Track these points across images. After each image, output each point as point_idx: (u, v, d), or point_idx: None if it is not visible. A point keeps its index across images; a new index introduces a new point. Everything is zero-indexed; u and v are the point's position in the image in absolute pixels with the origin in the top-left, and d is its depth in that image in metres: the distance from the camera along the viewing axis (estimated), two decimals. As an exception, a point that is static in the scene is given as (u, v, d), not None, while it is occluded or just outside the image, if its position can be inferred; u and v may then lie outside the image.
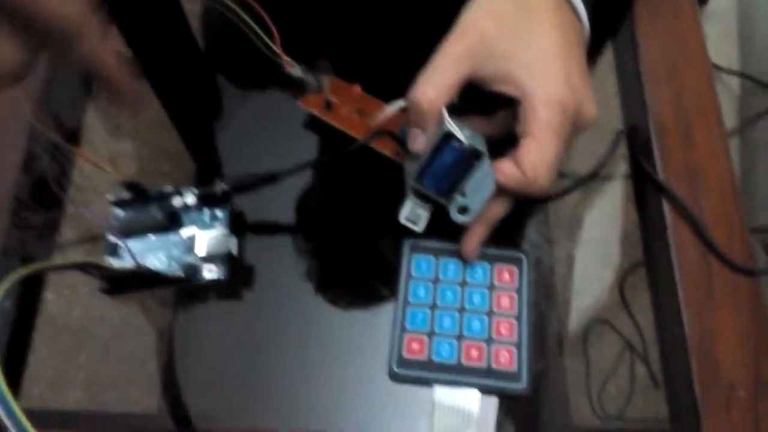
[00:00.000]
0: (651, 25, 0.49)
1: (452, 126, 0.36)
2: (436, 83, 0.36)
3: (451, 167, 0.38)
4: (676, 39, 0.49)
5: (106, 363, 0.41)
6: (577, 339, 0.42)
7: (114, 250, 0.42)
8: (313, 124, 0.47)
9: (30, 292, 0.43)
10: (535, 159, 0.36)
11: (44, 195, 0.46)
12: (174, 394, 0.40)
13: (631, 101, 0.47)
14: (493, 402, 0.38)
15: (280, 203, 0.45)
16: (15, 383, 0.40)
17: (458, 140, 0.36)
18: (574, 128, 0.37)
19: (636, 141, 0.46)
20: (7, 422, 0.27)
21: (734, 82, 1.17)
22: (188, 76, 0.51)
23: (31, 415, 0.38)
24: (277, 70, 0.45)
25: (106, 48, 0.30)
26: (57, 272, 0.44)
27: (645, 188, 0.45)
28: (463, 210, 0.38)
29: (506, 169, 0.37)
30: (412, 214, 0.40)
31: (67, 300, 0.42)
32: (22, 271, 0.32)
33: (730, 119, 1.11)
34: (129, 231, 0.42)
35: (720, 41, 1.22)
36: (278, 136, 0.47)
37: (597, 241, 0.45)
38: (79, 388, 0.41)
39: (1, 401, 0.27)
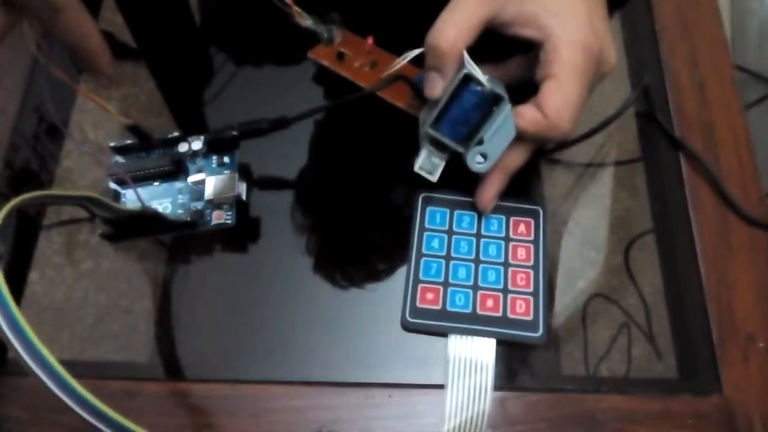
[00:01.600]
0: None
1: (474, 68, 0.35)
2: (457, 24, 0.35)
3: (469, 113, 0.37)
4: (689, -1, 0.49)
5: (90, 342, 0.39)
6: (576, 313, 0.40)
7: (116, 198, 0.40)
8: (324, 77, 0.46)
9: (17, 271, 0.41)
10: (558, 101, 0.35)
11: (41, 137, 0.45)
12: (171, 348, 0.38)
13: (645, 59, 0.47)
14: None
15: (289, 153, 0.44)
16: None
17: (479, 84, 0.35)
18: (597, 73, 0.37)
19: (650, 98, 0.45)
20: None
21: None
22: (181, 45, 0.50)
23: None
24: (286, 22, 0.44)
25: (86, 22, 0.30)
26: (46, 240, 0.42)
27: (659, 145, 0.44)
28: (482, 158, 0.37)
29: (527, 114, 0.36)
30: (427, 163, 0.39)
31: (51, 281, 0.41)
32: (25, 197, 0.30)
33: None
34: (131, 178, 0.40)
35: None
36: (288, 89, 0.46)
37: (595, 214, 0.44)
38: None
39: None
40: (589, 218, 0.43)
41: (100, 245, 0.41)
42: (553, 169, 0.44)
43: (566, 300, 0.40)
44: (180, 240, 0.41)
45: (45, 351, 0.25)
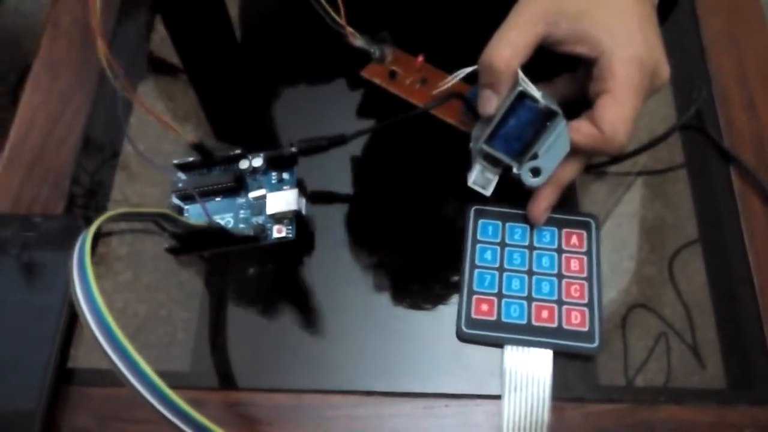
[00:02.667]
0: (711, -1, 0.50)
1: (528, 85, 0.36)
2: (512, 42, 0.36)
3: (524, 128, 0.37)
4: (735, 12, 0.49)
5: (150, 352, 0.40)
6: (615, 322, 0.41)
7: (179, 213, 0.42)
8: (376, 95, 0.47)
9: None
10: (613, 116, 0.36)
11: (105, 154, 0.47)
12: (235, 358, 0.40)
13: (692, 74, 0.47)
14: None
15: (344, 169, 0.45)
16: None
17: (533, 100, 0.36)
18: (650, 87, 0.37)
19: (699, 112, 0.45)
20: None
21: None
22: (230, 64, 0.52)
23: (69, 372, 0.39)
24: (339, 42, 0.46)
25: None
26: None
27: (708, 158, 0.45)
28: (536, 172, 0.38)
29: (583, 128, 0.37)
30: (481, 178, 0.40)
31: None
32: (108, 215, 0.32)
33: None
34: (194, 194, 0.42)
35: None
36: (341, 108, 0.47)
37: (636, 226, 0.44)
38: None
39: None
40: (629, 230, 0.43)
41: (158, 260, 0.43)
42: (590, 180, 0.45)
43: (613, 311, 0.40)
44: (241, 253, 0.42)
45: (144, 365, 0.26)
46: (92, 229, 0.28)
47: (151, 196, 0.45)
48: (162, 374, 0.38)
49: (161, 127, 0.39)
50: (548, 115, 0.37)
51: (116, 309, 0.41)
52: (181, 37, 0.52)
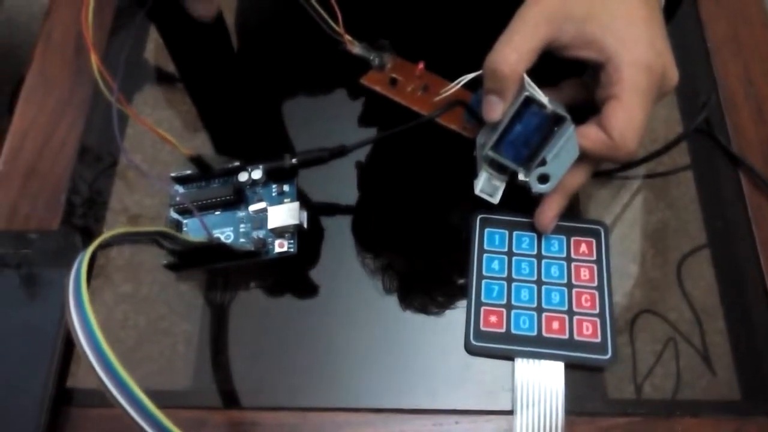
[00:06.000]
0: (714, 3, 0.49)
1: (535, 90, 0.35)
2: (517, 47, 0.35)
3: (531, 134, 0.37)
4: (740, 14, 0.48)
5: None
6: (624, 328, 0.39)
7: (177, 227, 0.41)
8: (377, 103, 0.46)
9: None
10: (622, 122, 0.35)
11: (101, 165, 0.46)
12: (237, 376, 0.38)
13: (697, 77, 0.47)
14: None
15: (345, 179, 0.44)
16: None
17: (540, 105, 0.35)
18: (659, 92, 0.36)
19: (706, 116, 0.45)
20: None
21: None
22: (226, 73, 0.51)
23: (68, 392, 0.38)
24: (337, 49, 0.45)
25: None
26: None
27: (716, 162, 0.44)
28: (543, 179, 0.37)
29: (591, 134, 0.36)
30: (488, 186, 0.39)
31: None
32: (105, 236, 0.31)
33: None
34: (192, 209, 0.41)
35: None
36: (341, 116, 0.46)
37: (643, 229, 0.43)
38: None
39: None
40: (636, 235, 0.42)
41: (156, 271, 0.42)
42: (596, 186, 0.44)
43: (622, 317, 0.39)
44: (241, 268, 0.41)
45: (133, 385, 0.26)
46: (88, 252, 0.27)
47: (150, 207, 0.44)
48: (162, 394, 0.38)
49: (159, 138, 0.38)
50: (556, 121, 0.36)
51: (116, 321, 0.40)
52: (176, 46, 0.51)
